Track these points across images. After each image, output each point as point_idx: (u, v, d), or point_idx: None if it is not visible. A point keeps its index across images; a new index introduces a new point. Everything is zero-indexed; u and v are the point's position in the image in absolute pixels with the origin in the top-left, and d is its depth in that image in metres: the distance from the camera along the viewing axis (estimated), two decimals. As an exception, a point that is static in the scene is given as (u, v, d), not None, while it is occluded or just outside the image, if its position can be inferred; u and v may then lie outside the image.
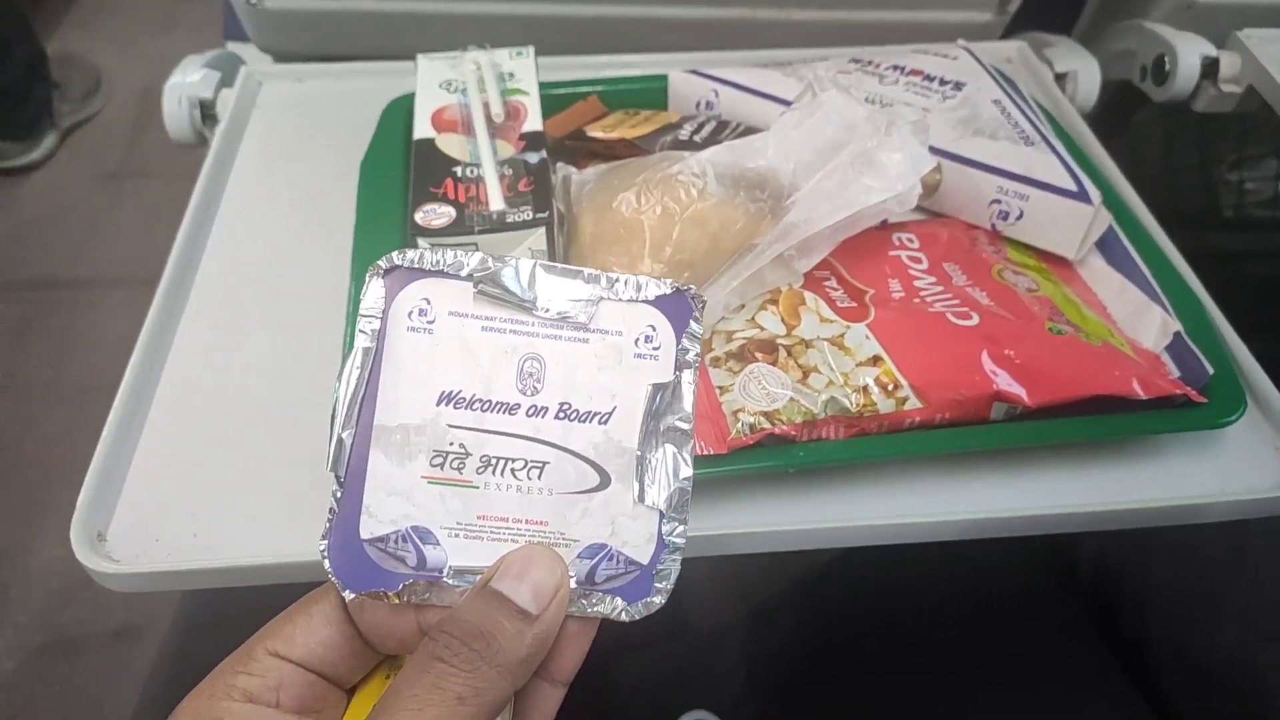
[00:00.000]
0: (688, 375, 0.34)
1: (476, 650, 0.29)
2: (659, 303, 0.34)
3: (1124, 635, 0.61)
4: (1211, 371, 0.46)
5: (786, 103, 0.57)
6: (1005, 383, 0.44)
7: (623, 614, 0.32)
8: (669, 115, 0.59)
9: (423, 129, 0.53)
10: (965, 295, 0.48)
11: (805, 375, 0.44)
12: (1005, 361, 0.44)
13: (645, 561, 0.33)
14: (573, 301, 0.33)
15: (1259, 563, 0.57)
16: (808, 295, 0.47)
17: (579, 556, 0.32)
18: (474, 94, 0.55)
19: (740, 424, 0.42)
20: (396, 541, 0.32)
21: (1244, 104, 0.70)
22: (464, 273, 0.33)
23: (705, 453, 0.42)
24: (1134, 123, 0.89)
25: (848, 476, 0.45)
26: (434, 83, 0.56)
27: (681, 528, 0.33)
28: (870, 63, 0.60)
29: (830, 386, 0.43)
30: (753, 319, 0.47)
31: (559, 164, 0.56)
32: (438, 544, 0.32)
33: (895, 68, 0.59)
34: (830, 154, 0.48)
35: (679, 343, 0.34)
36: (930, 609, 0.65)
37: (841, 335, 0.45)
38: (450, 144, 0.52)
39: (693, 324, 0.34)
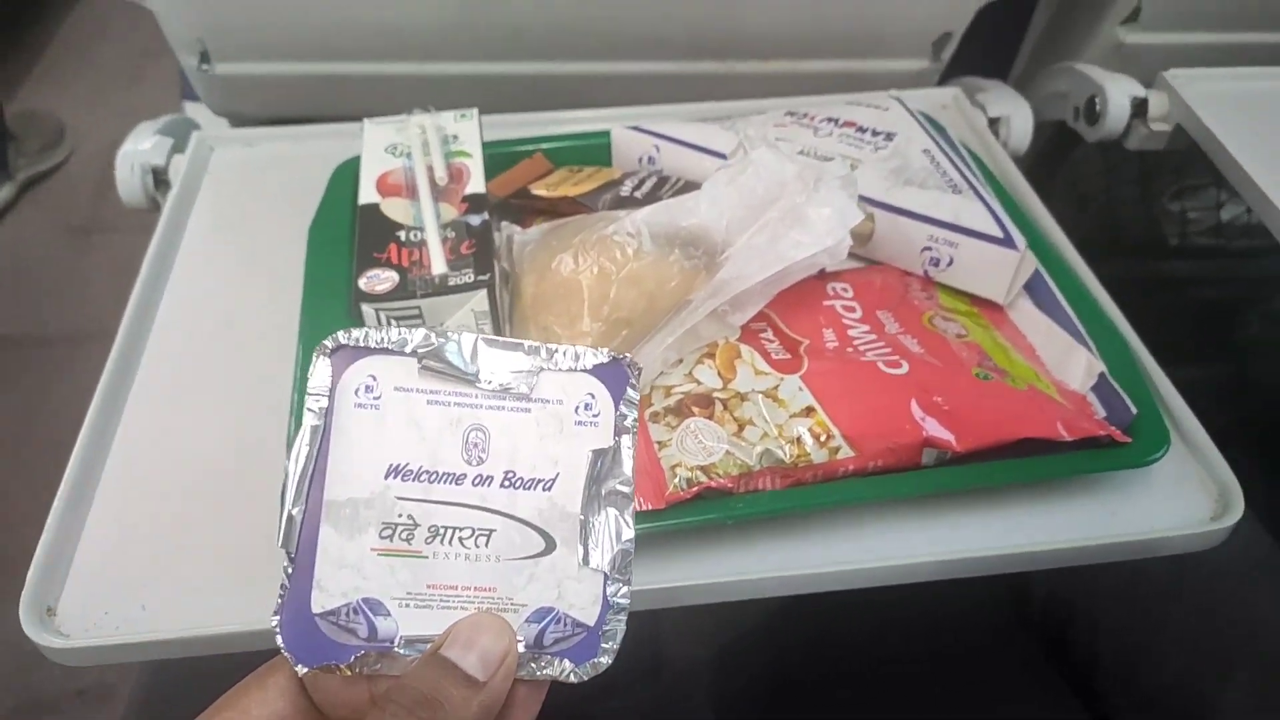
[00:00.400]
0: (626, 440, 0.35)
1: (422, 718, 0.30)
2: (597, 371, 0.35)
3: (1075, 665, 0.62)
4: (1135, 412, 0.47)
5: (725, 156, 0.59)
6: (934, 429, 0.45)
7: (571, 675, 0.33)
8: (611, 171, 0.61)
9: (368, 194, 0.54)
10: (897, 343, 0.49)
11: (741, 428, 0.45)
12: (934, 408, 0.45)
13: (592, 623, 0.34)
14: (514, 373, 0.35)
15: (1196, 592, 0.58)
16: (743, 348, 0.49)
17: (527, 621, 0.33)
18: (418, 157, 0.56)
19: (677, 479, 0.43)
20: (348, 614, 0.33)
21: (1174, 141, 0.73)
22: (408, 349, 0.34)
23: (644, 508, 0.43)
24: (1074, 159, 0.91)
25: (786, 526, 0.46)
26: (379, 147, 0.58)
27: (625, 588, 0.34)
28: (805, 115, 0.62)
29: (765, 439, 0.45)
30: (690, 373, 0.48)
31: (503, 223, 0.57)
32: (388, 614, 0.33)
33: (829, 120, 0.61)
34: (761, 210, 0.49)
35: (617, 409, 0.35)
36: (892, 644, 0.66)
37: (775, 387, 0.47)
38: (395, 208, 0.53)
39: (629, 390, 0.35)
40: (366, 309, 0.48)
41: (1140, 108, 0.72)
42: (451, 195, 0.54)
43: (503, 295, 0.52)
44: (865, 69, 0.76)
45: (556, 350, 0.35)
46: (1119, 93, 0.72)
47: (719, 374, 0.47)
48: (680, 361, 0.49)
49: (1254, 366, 0.95)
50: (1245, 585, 0.60)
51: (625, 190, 0.58)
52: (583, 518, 0.34)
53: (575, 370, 0.35)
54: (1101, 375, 0.49)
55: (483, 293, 0.49)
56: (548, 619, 0.34)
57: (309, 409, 0.34)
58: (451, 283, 0.49)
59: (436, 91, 0.74)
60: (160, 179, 0.68)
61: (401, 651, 0.32)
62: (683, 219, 0.49)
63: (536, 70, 0.75)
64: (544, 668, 0.33)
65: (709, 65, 0.75)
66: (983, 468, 0.46)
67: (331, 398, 0.34)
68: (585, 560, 0.34)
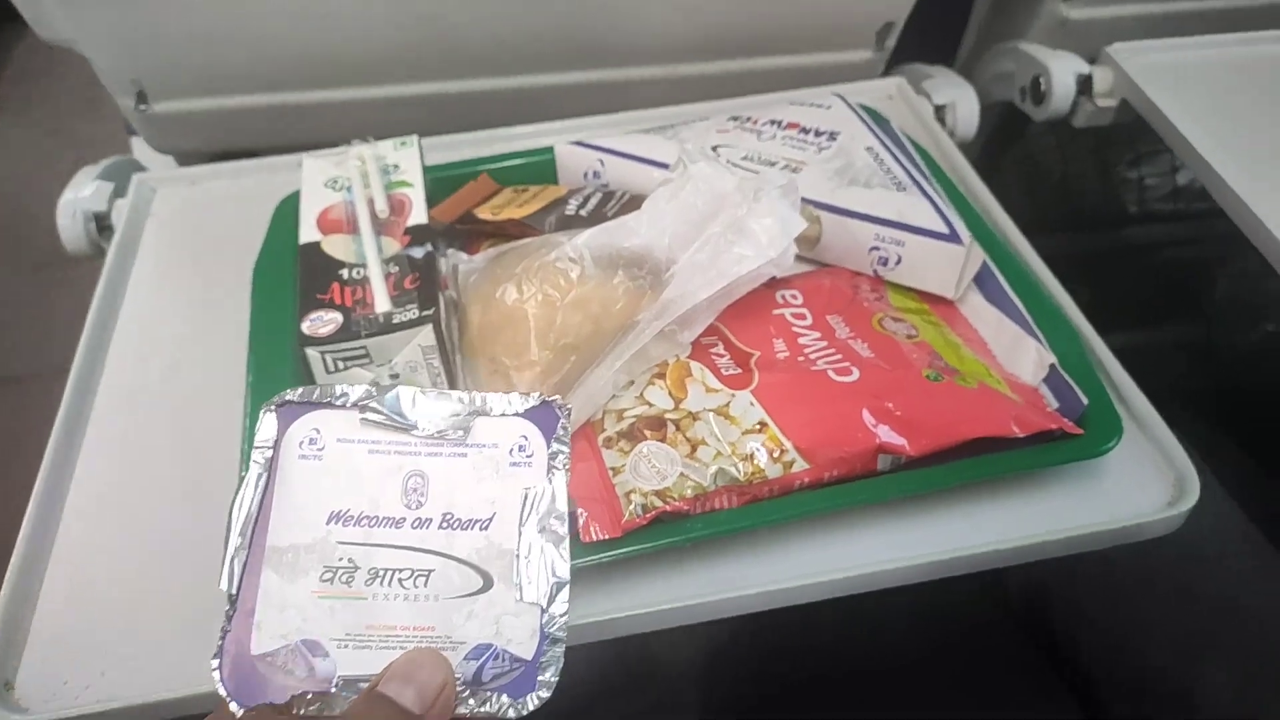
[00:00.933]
0: (559, 477, 0.37)
1: None
2: (529, 414, 0.38)
3: (1063, 656, 0.62)
4: (1086, 402, 0.47)
5: (668, 166, 0.58)
6: (887, 435, 0.45)
7: (510, 710, 0.34)
8: (556, 190, 0.60)
9: (308, 232, 0.54)
10: (847, 349, 0.49)
11: (694, 448, 0.45)
12: (885, 414, 0.45)
13: (529, 657, 0.35)
14: (450, 420, 0.37)
15: (1166, 578, 0.58)
16: (694, 365, 0.48)
17: (466, 658, 0.34)
18: (359, 191, 0.56)
19: (633, 505, 0.43)
20: (286, 655, 0.34)
21: (1120, 116, 0.73)
22: (349, 403, 0.37)
23: (600, 537, 0.43)
24: (1029, 133, 0.91)
25: (747, 543, 0.46)
26: (319, 182, 0.57)
27: (562, 620, 0.35)
28: (748, 119, 0.61)
29: (718, 458, 0.44)
30: (641, 395, 0.47)
31: (450, 250, 0.57)
32: (327, 655, 0.34)
33: (772, 122, 0.60)
34: (703, 226, 0.49)
35: (549, 448, 0.37)
36: (876, 642, 0.66)
37: (727, 404, 0.46)
38: (336, 245, 0.53)
39: (560, 430, 0.37)
40: (311, 352, 0.48)
41: (1085, 84, 0.72)
42: (393, 228, 0.54)
43: (451, 325, 0.51)
44: (810, 63, 0.75)
45: (489, 397, 0.37)
46: (1063, 71, 0.72)
47: (670, 394, 0.47)
48: (631, 383, 0.48)
49: (1221, 328, 0.95)
50: (1220, 561, 0.60)
51: (570, 209, 0.57)
52: (518, 554, 0.36)
53: (508, 415, 0.37)
54: (1052, 367, 0.49)
55: (428, 328, 0.48)
56: (486, 655, 0.35)
57: (254, 460, 0.35)
58: (396, 320, 0.48)
59: (378, 113, 0.73)
60: (103, 224, 0.67)
61: (339, 692, 0.33)
62: (624, 240, 0.49)
63: (479, 87, 0.74)
64: (483, 704, 0.34)
65: (653, 70, 0.75)
66: (938, 470, 0.46)
67: (276, 449, 0.36)
68: (521, 595, 0.35)
